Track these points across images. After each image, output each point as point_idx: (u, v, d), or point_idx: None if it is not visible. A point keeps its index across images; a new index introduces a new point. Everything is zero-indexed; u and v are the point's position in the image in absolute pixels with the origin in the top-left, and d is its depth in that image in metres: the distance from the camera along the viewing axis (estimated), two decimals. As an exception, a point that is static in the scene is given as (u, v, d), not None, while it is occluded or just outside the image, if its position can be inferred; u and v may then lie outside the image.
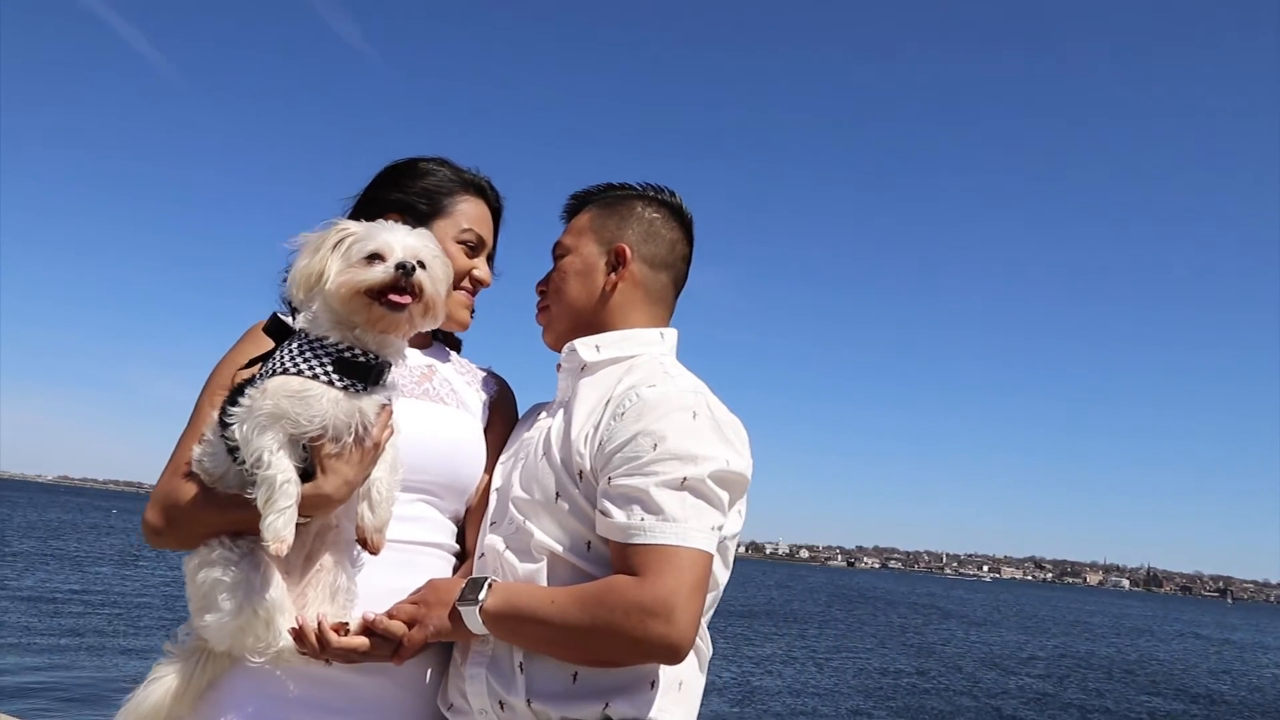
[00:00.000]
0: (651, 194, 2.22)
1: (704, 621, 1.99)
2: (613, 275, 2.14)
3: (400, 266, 1.85)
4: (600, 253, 2.16)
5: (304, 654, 1.84)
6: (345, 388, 1.85)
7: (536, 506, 1.96)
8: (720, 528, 1.86)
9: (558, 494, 1.94)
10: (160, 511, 1.95)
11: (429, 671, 2.05)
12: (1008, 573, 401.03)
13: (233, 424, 1.80)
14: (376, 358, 1.90)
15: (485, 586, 1.87)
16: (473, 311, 2.34)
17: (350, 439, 1.84)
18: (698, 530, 1.79)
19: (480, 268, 2.30)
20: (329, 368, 1.84)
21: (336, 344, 1.86)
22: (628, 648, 1.75)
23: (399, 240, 1.89)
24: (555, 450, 1.99)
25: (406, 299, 1.87)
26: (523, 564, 1.93)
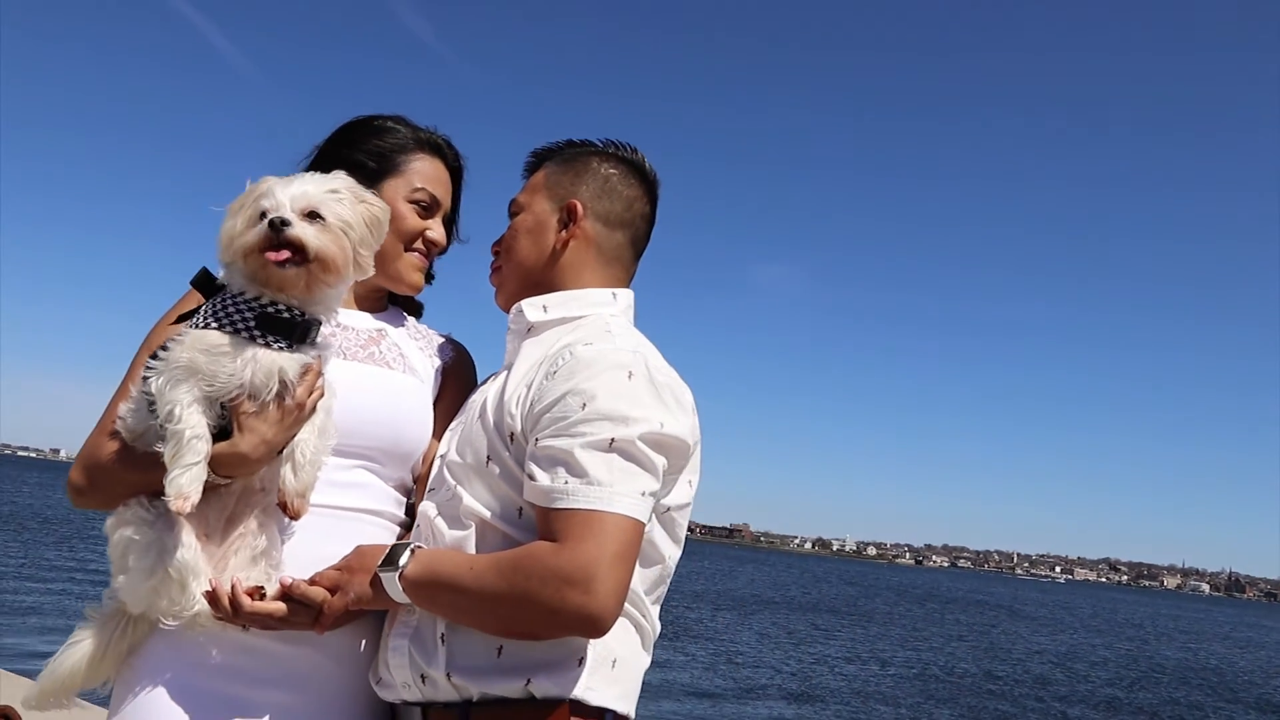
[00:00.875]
0: (611, 150, 2.11)
1: (650, 599, 1.89)
2: (564, 233, 2.03)
3: (271, 224, 1.75)
4: (552, 210, 2.05)
5: (219, 619, 1.78)
6: (267, 344, 1.77)
7: (468, 471, 1.87)
8: (652, 493, 1.73)
9: (489, 457, 1.84)
10: (83, 471, 1.90)
11: (362, 643, 1.96)
12: (1081, 574, 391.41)
13: (151, 378, 1.74)
14: (303, 315, 1.82)
15: (408, 552, 1.78)
16: (429, 274, 2.26)
17: (269, 397, 1.77)
18: (625, 495, 1.67)
19: (434, 229, 2.20)
20: (251, 323, 1.78)
21: (258, 298, 1.79)
22: (544, 618, 1.64)
23: (287, 193, 1.79)
24: (489, 413, 1.89)
25: (282, 255, 1.76)
26: (451, 531, 1.84)
